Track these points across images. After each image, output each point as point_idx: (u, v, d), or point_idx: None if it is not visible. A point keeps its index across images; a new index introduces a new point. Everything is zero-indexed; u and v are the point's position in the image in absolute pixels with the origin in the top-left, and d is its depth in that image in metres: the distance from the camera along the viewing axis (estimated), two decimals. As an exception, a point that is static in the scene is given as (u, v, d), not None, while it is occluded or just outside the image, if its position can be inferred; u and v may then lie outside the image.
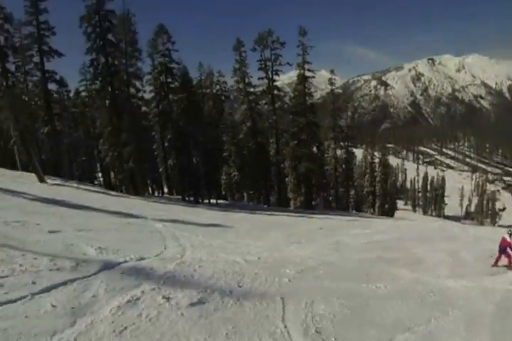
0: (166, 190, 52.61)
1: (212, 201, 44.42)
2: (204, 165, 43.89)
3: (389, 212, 63.38)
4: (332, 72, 53.71)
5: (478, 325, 7.32)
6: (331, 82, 52.38)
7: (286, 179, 46.93)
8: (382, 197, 61.62)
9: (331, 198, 54.23)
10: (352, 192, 59.03)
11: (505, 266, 12.98)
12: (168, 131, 42.53)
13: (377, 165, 62.69)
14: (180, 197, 43.72)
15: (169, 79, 43.07)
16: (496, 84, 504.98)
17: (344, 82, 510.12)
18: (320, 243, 15.17)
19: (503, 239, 13.06)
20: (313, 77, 47.23)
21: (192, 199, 43.04)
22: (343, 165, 52.81)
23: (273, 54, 45.60)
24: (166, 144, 43.79)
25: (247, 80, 46.87)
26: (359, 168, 65.49)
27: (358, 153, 64.46)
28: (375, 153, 64.57)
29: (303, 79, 46.02)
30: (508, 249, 12.90)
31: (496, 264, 13.12)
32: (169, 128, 42.11)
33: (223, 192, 54.78)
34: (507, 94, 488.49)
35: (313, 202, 49.76)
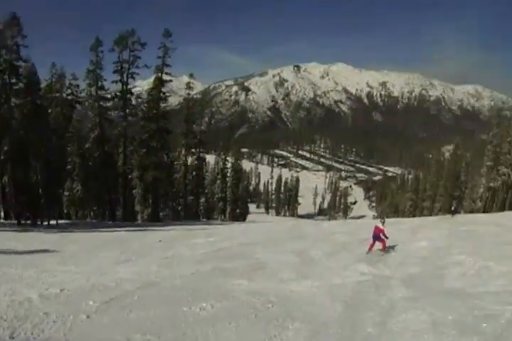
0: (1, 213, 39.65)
1: (53, 222, 36.48)
2: (45, 181, 36.37)
3: (240, 216, 63.77)
4: (191, 76, 51.85)
5: (323, 336, 6.78)
6: (188, 86, 50.27)
7: (134, 191, 43.40)
8: (233, 202, 61.42)
9: (180, 208, 52.07)
10: (202, 199, 57.57)
11: (380, 249, 15.25)
12: (4, 140, 34.42)
13: (229, 171, 62.04)
14: (16, 221, 34.58)
15: (13, 80, 34.97)
16: (357, 90, 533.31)
17: (205, 87, 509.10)
18: (152, 258, 14.37)
19: (376, 227, 15.30)
20: (171, 80, 45.41)
21: (29, 221, 35.49)
22: (194, 173, 51.31)
23: (132, 55, 42.14)
24: (2, 157, 34.70)
25: (100, 83, 42.46)
26: (211, 174, 64.47)
27: (211, 159, 64.14)
28: (228, 158, 63.46)
29: (159, 83, 43.64)
30: (381, 235, 15.07)
31: (370, 250, 15.28)
32: (6, 137, 34.22)
33: (65, 211, 46.07)
34: (365, 100, 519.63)
35: (161, 214, 47.78)
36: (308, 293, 9.47)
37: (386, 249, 15.50)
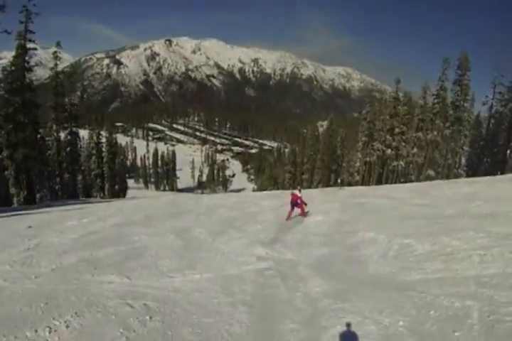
0: None
1: None
2: None
3: (120, 192, 61.33)
4: (58, 44, 45.34)
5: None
6: (55, 56, 44.97)
7: (6, 172, 38.13)
8: (111, 179, 58.29)
9: (57, 187, 47.23)
10: (79, 177, 53.13)
11: (300, 215, 16.04)
12: None
13: (104, 145, 58.31)
14: None
15: None
16: (229, 65, 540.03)
17: (76, 60, 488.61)
18: (11, 251, 10.82)
19: (294, 195, 16.11)
20: (35, 48, 38.61)
21: None
22: (68, 149, 46.69)
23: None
24: None
25: None
26: (86, 150, 59.08)
27: (85, 134, 59.76)
28: (102, 133, 60.11)
29: (23, 52, 37.35)
30: (299, 201, 15.90)
31: (288, 218, 15.74)
32: None
33: None
34: (237, 75, 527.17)
35: (38, 195, 42.89)
36: (197, 291, 7.48)
37: (306, 214, 16.25)
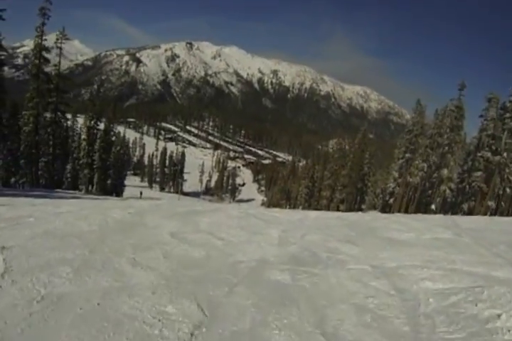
0: None
1: None
2: None
3: (114, 189, 52.97)
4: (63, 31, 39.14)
5: None
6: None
7: None
8: (102, 171, 48.71)
9: (40, 173, 40.16)
10: (68, 165, 46.55)
11: None
12: None
13: (98, 133, 48.59)
14: None
15: None
16: (248, 74, 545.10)
17: (96, 54, 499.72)
18: None
19: None
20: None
21: None
22: (49, 128, 38.94)
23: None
24: None
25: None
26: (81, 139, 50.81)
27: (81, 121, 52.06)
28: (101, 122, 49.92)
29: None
30: None
31: None
32: None
33: None
34: (256, 85, 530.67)
35: (12, 179, 38.35)
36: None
37: None
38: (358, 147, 55.92)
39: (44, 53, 35.53)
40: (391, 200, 49.01)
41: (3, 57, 32.15)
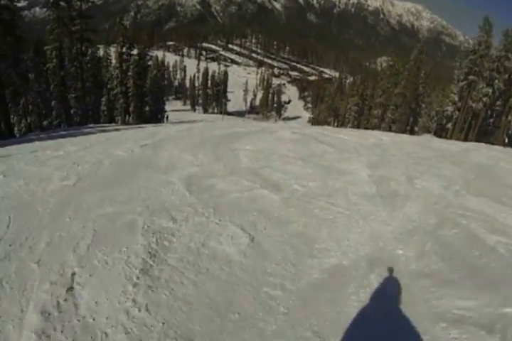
0: None
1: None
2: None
3: (155, 115, 51.28)
4: None
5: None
6: None
7: None
8: (138, 99, 45.44)
9: (73, 111, 38.88)
10: (103, 98, 44.23)
11: None
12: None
13: (131, 58, 44.45)
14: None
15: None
16: None
17: None
18: None
19: None
20: None
21: None
22: (76, 62, 36.26)
23: None
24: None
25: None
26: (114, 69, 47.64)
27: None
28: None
29: None
30: None
31: None
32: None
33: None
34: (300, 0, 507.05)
35: (45, 122, 37.16)
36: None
37: None
38: (414, 64, 51.21)
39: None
40: (448, 125, 45.57)
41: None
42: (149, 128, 19.46)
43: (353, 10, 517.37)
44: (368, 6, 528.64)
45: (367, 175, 7.95)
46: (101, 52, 45.65)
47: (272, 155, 9.42)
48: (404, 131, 47.74)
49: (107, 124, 35.29)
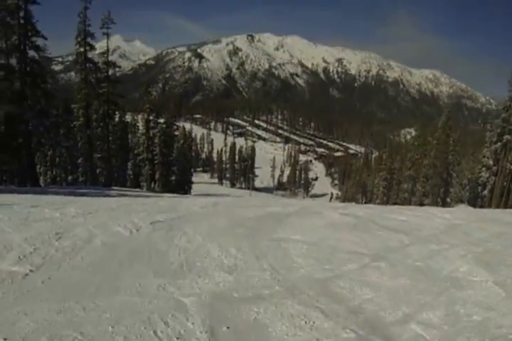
0: None
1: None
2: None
3: (182, 186, 50.52)
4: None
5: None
6: None
7: None
8: (165, 167, 45.28)
9: (98, 171, 38.64)
10: (129, 163, 44.95)
11: None
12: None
13: (158, 127, 45.44)
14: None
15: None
16: (312, 64, 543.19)
17: (158, 53, 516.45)
18: None
19: None
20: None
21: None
22: (101, 123, 36.85)
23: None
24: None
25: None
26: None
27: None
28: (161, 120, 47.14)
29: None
30: None
31: None
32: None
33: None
34: (321, 75, 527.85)
35: (70, 177, 38.56)
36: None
37: None
38: (443, 131, 49.85)
39: (89, 40, 32.85)
40: (484, 192, 43.41)
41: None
42: (171, 199, 18.02)
43: (373, 82, 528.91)
44: (388, 77, 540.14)
45: (494, 284, 5.55)
46: (129, 119, 47.50)
47: (336, 253, 6.89)
48: (436, 204, 45.77)
49: (131, 189, 35.17)
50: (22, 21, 24.64)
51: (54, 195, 15.41)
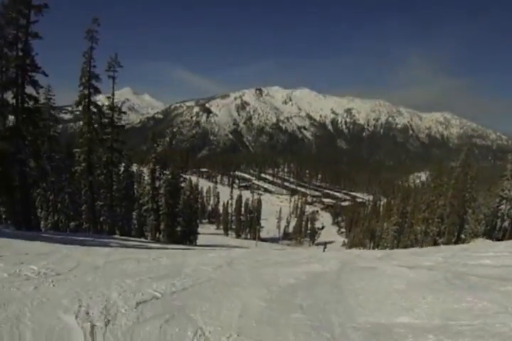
0: None
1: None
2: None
3: (184, 237, 49.16)
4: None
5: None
6: None
7: None
8: (170, 218, 44.12)
9: (102, 219, 37.47)
10: (134, 212, 44.14)
11: None
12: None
13: (164, 177, 44.72)
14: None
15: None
16: (320, 116, 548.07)
17: (166, 107, 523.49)
18: None
19: None
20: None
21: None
22: (105, 170, 35.86)
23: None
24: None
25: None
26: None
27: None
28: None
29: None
30: None
31: None
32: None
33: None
34: (329, 127, 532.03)
35: (72, 223, 36.63)
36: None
37: None
38: (462, 170, 48.68)
39: (94, 82, 31.74)
40: (505, 223, 42.68)
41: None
42: (175, 254, 14.69)
43: (382, 131, 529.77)
44: (397, 124, 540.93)
45: None
46: (135, 169, 46.88)
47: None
48: (450, 241, 45.71)
49: (134, 239, 33.74)
50: (20, 53, 23.80)
51: (41, 242, 13.69)
